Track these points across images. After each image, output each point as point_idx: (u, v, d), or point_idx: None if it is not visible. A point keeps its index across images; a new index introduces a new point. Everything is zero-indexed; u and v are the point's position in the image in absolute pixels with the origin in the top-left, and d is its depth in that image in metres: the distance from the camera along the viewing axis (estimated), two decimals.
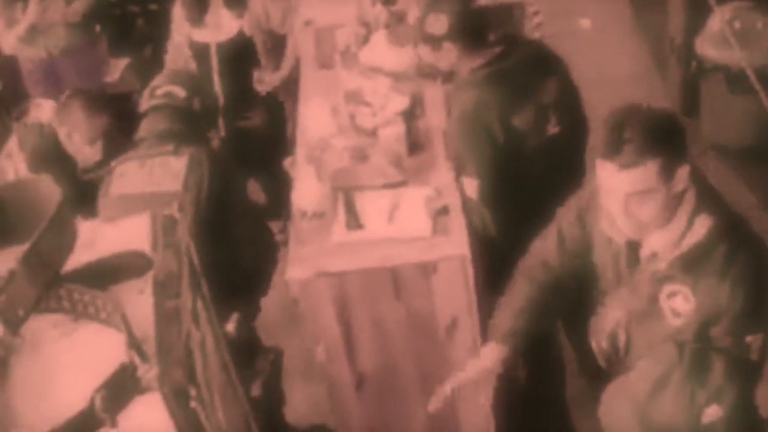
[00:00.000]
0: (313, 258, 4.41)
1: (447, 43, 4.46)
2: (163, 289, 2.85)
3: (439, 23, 4.42)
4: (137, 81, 7.68)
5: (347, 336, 4.48)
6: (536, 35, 6.05)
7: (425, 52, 4.70)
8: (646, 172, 3.18)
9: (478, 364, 3.87)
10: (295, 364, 5.17)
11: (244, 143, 6.44)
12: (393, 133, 4.85)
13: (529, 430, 4.92)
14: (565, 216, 3.78)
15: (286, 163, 5.88)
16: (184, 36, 6.33)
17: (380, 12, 5.65)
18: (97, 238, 3.07)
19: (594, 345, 3.80)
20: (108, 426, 2.46)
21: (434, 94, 5.33)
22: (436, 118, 5.14)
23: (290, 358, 5.05)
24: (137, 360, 2.56)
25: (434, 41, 4.49)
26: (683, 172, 3.24)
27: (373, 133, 4.93)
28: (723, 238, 3.30)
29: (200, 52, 6.26)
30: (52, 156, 4.98)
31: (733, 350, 3.27)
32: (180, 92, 4.62)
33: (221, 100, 6.32)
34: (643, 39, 8.58)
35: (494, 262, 4.46)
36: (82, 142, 4.87)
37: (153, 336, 2.67)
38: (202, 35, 6.26)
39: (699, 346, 3.23)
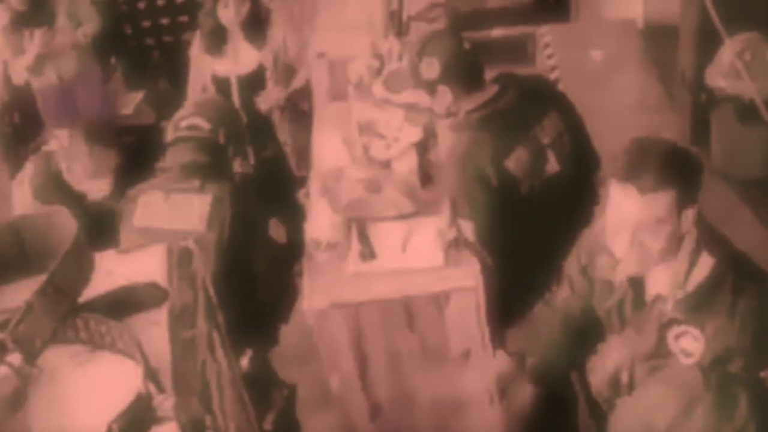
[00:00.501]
0: (328, 289, 4.43)
1: (441, 86, 4.45)
2: (179, 320, 2.88)
3: (432, 67, 4.39)
4: (153, 113, 7.72)
5: (362, 366, 4.49)
6: (549, 64, 6.03)
7: (421, 97, 4.69)
8: (662, 201, 3.19)
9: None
10: (311, 393, 5.18)
11: (268, 175, 6.44)
12: (406, 164, 4.88)
13: None
14: (570, 267, 3.80)
15: (301, 194, 5.91)
16: (206, 70, 6.30)
17: (393, 44, 5.68)
18: (113, 269, 3.09)
19: (593, 384, 3.81)
20: None
21: (446, 125, 5.35)
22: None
23: (305, 387, 5.06)
24: (154, 390, 2.58)
25: (428, 85, 4.47)
26: (691, 213, 3.25)
27: (386, 164, 4.95)
28: (727, 276, 3.30)
29: (222, 85, 6.24)
30: (56, 186, 4.99)
31: (751, 384, 3.27)
32: (204, 124, 4.59)
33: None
34: (653, 70, 8.59)
35: (499, 295, 4.49)
36: (84, 176, 4.90)
37: (169, 366, 2.69)
38: (222, 68, 6.24)
39: (725, 374, 3.20)
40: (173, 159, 4.60)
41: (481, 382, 4.01)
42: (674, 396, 3.05)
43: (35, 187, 5.05)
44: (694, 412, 2.98)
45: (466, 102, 4.41)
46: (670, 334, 3.39)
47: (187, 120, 4.64)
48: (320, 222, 4.70)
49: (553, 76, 7.78)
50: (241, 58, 6.20)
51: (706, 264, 3.30)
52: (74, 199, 4.81)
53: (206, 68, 6.28)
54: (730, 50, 6.43)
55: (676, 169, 3.21)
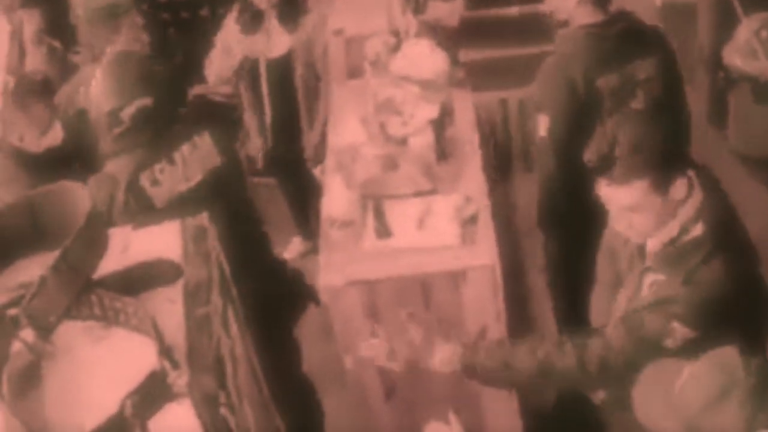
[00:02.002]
0: (344, 266, 4.42)
1: None
2: (194, 297, 2.87)
3: None
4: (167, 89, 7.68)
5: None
6: None
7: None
8: (635, 190, 3.39)
9: None
10: (324, 373, 5.17)
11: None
12: (423, 141, 4.86)
13: None
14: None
15: (317, 171, 5.89)
16: (238, 49, 6.22)
17: (410, 21, 5.65)
18: (128, 245, 3.08)
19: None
20: (138, 431, 2.48)
21: (463, 102, 5.33)
22: (465, 127, 5.14)
23: (319, 367, 5.06)
24: (168, 366, 2.57)
25: None
26: (682, 183, 3.43)
27: (403, 141, 4.93)
28: (705, 245, 3.46)
29: (252, 67, 6.17)
30: (17, 164, 5.04)
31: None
32: None
33: (269, 117, 6.26)
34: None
35: (548, 205, 4.95)
36: (34, 135, 4.96)
37: (183, 343, 2.68)
38: (253, 49, 6.17)
39: (765, 362, 3.16)
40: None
41: None
42: (710, 374, 3.01)
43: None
44: (730, 395, 2.94)
45: (584, 15, 4.70)
46: (645, 282, 3.63)
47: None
48: (336, 199, 4.68)
49: None
50: (273, 40, 6.13)
51: (695, 231, 3.48)
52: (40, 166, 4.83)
53: (238, 48, 6.21)
54: (747, 29, 6.38)
55: (645, 159, 3.41)
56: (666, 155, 3.49)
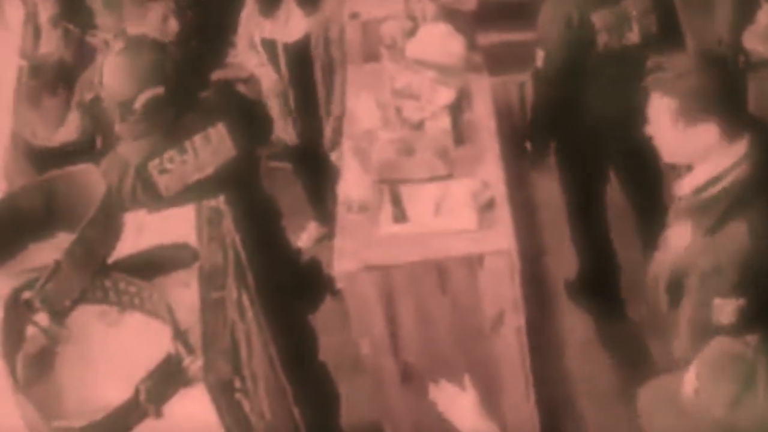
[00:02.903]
0: (359, 251, 4.40)
1: None
2: (209, 281, 2.86)
3: None
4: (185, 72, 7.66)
5: (393, 329, 4.47)
6: None
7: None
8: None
9: None
10: (340, 358, 5.17)
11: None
12: (439, 126, 4.84)
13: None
14: None
15: (333, 156, 5.88)
16: (256, 31, 6.18)
17: (427, 5, 5.63)
18: (143, 229, 3.07)
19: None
20: (153, 416, 2.47)
21: (481, 87, 5.31)
22: (482, 111, 5.12)
23: (335, 351, 5.05)
24: (182, 351, 2.56)
25: None
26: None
27: (419, 126, 4.91)
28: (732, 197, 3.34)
29: (270, 50, 6.14)
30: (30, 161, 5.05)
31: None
32: None
33: (291, 101, 6.23)
34: (690, 33, 8.51)
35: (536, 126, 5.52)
36: (48, 130, 4.97)
37: (198, 327, 2.67)
38: (271, 31, 6.14)
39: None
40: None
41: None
42: (722, 368, 2.84)
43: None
44: (753, 381, 2.81)
45: None
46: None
47: None
48: (352, 183, 4.66)
49: None
50: (291, 23, 6.08)
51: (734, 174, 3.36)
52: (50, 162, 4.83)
53: (256, 30, 6.17)
54: (767, 12, 6.34)
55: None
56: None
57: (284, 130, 6.34)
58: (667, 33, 5.21)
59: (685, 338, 3.45)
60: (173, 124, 4.25)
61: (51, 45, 6.25)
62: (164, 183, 4.20)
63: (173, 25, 5.24)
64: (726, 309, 3.31)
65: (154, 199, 4.10)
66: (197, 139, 4.29)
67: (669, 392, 2.98)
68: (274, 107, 6.22)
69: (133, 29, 5.05)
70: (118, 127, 4.30)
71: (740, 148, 3.37)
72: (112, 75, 4.22)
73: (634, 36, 5.08)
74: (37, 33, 6.52)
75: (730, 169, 3.36)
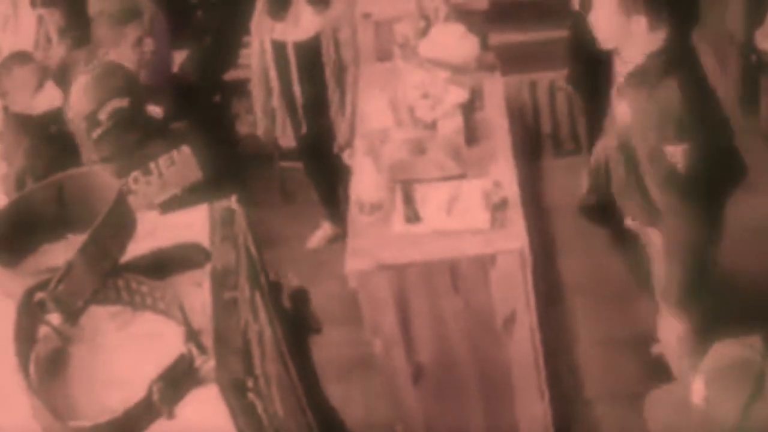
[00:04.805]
0: (372, 250, 4.41)
1: None
2: (221, 281, 2.85)
3: None
4: (196, 72, 7.67)
5: (405, 329, 4.47)
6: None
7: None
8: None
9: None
10: (351, 355, 5.17)
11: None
12: (452, 125, 4.84)
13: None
14: None
15: (345, 155, 5.87)
16: (266, 33, 6.16)
17: (439, 5, 5.63)
18: (155, 229, 3.07)
19: None
20: (165, 417, 2.47)
21: (493, 86, 5.31)
22: (494, 111, 5.12)
23: (346, 349, 5.05)
24: (195, 351, 2.56)
25: None
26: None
27: (432, 125, 4.91)
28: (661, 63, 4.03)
29: (279, 50, 6.12)
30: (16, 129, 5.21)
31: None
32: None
33: (300, 101, 6.22)
34: (702, 32, 8.49)
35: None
36: (26, 95, 5.15)
37: (211, 327, 2.67)
38: (281, 32, 6.11)
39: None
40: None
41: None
42: (731, 373, 2.86)
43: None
44: (764, 382, 2.81)
45: None
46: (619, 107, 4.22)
47: None
48: (365, 183, 4.67)
49: None
50: (301, 22, 6.05)
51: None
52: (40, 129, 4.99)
53: (266, 31, 6.15)
54: None
55: None
56: None
57: (282, 132, 6.35)
58: None
59: (654, 190, 4.09)
60: (139, 149, 4.34)
61: (61, 51, 6.30)
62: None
63: (149, 44, 5.24)
64: (677, 154, 3.89)
65: None
66: (161, 160, 4.34)
67: (676, 401, 2.97)
68: (280, 110, 6.25)
69: (108, 53, 5.10)
70: (85, 152, 4.36)
71: (661, 35, 4.03)
72: (78, 94, 4.33)
73: None
74: (48, 37, 6.60)
75: (655, 52, 4.03)
